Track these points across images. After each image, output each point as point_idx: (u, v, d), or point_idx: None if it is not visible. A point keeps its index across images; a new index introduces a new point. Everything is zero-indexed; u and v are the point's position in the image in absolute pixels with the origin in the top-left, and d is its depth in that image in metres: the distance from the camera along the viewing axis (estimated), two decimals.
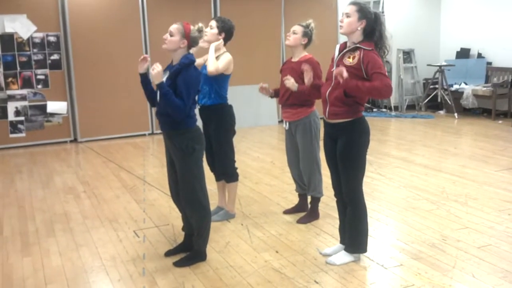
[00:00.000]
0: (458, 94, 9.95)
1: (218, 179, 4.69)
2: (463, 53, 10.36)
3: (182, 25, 3.56)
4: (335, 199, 3.80)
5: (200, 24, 3.77)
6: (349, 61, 3.39)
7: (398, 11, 10.69)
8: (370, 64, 3.30)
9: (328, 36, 9.58)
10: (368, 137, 3.57)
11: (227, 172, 4.58)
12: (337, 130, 3.53)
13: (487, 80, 9.93)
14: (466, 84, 9.99)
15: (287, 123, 4.52)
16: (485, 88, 9.53)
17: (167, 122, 3.61)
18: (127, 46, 8.58)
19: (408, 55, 10.88)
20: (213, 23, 4.45)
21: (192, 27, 3.61)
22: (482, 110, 9.98)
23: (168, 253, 3.90)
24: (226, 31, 4.43)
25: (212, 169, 4.65)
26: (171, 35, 3.55)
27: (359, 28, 3.38)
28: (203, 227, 3.72)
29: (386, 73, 3.35)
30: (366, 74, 3.33)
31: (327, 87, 3.56)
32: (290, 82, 4.09)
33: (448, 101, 10.04)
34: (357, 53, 3.37)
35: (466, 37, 10.38)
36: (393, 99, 10.69)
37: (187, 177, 3.61)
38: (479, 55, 10.12)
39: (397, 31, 10.70)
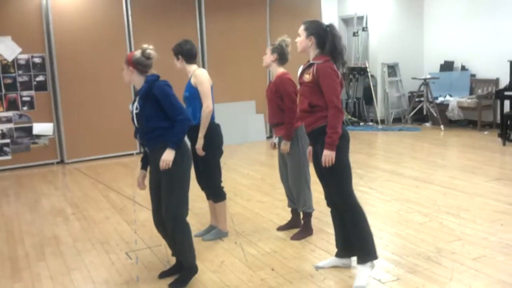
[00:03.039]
0: (443, 107, 10.05)
1: (207, 198, 4.65)
2: (447, 66, 10.48)
3: (126, 60, 3.62)
4: (329, 209, 3.79)
5: (145, 46, 3.71)
6: (306, 77, 3.56)
7: (381, 26, 10.81)
8: (321, 81, 3.46)
9: None
10: (346, 139, 3.55)
11: (213, 193, 4.54)
12: (314, 138, 3.59)
13: (471, 92, 10.04)
14: (451, 96, 10.09)
15: (277, 138, 4.54)
16: (470, 100, 9.63)
17: (152, 139, 3.58)
18: (113, 66, 8.51)
19: (392, 69, 10.99)
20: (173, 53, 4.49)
21: (134, 53, 3.63)
22: (467, 122, 10.07)
23: (162, 275, 3.83)
24: (183, 53, 4.43)
25: (202, 188, 4.61)
26: (123, 74, 3.65)
27: (309, 45, 3.56)
28: (185, 242, 3.65)
29: (336, 93, 3.47)
30: (321, 89, 3.47)
31: (299, 104, 3.73)
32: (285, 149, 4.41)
33: (434, 114, 10.12)
34: (311, 69, 3.53)
35: (449, 50, 10.51)
36: (379, 113, 10.76)
37: (174, 188, 3.56)
38: (463, 68, 10.24)
39: (381, 45, 10.83)
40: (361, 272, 3.56)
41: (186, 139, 3.84)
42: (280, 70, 4.49)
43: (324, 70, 3.47)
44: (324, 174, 3.57)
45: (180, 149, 3.57)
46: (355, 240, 3.61)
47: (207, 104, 4.30)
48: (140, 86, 3.61)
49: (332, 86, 3.46)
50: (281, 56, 4.45)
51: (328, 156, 3.41)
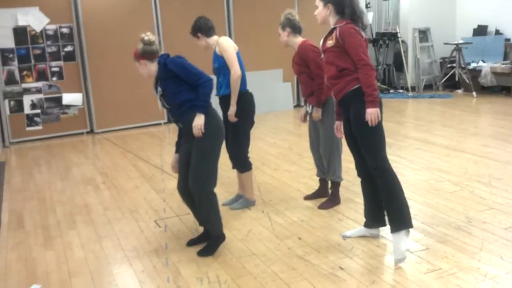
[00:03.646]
0: (476, 73, 9.78)
1: (233, 167, 4.65)
2: (480, 30, 10.15)
3: (134, 55, 3.65)
4: (360, 179, 3.72)
5: (142, 35, 3.65)
6: (329, 43, 3.51)
7: None
8: (346, 42, 3.39)
9: None
10: (379, 104, 3.43)
11: (239, 163, 4.54)
12: (346, 103, 3.50)
13: (505, 57, 9.74)
14: (484, 62, 9.81)
15: (310, 106, 4.46)
16: (503, 66, 9.34)
17: (183, 113, 3.59)
18: (139, 35, 8.51)
19: (424, 34, 10.70)
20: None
21: (139, 45, 3.62)
22: (501, 88, 9.79)
23: (190, 243, 3.88)
24: (200, 29, 4.37)
25: (230, 157, 4.61)
26: (138, 70, 3.67)
27: (328, 13, 3.52)
28: (212, 212, 3.67)
29: (363, 51, 3.40)
30: (346, 51, 3.40)
31: (325, 72, 3.65)
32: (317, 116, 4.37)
33: (466, 80, 9.87)
34: (334, 34, 3.47)
35: (482, 13, 10.16)
36: (410, 79, 10.54)
37: (204, 160, 3.57)
38: (497, 32, 9.91)
39: (412, 9, 10.53)
40: (397, 243, 3.43)
41: (220, 110, 3.83)
42: (299, 40, 4.42)
43: (347, 30, 3.41)
44: (359, 139, 3.48)
45: (212, 121, 3.58)
46: (388, 207, 3.50)
47: (235, 69, 4.26)
48: (156, 72, 3.65)
49: (358, 44, 3.39)
50: (294, 27, 4.39)
51: (373, 113, 3.32)
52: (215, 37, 4.41)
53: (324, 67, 3.66)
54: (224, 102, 4.43)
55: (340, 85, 3.47)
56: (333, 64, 3.48)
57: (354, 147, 3.61)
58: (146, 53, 3.60)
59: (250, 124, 4.50)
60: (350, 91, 3.43)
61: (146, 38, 3.62)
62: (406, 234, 3.47)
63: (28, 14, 7.93)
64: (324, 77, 4.13)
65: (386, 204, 3.51)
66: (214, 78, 3.87)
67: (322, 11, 3.55)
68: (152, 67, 3.63)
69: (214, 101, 4.14)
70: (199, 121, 3.53)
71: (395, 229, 3.47)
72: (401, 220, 3.46)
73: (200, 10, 8.88)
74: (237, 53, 4.37)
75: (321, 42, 3.65)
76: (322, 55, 3.64)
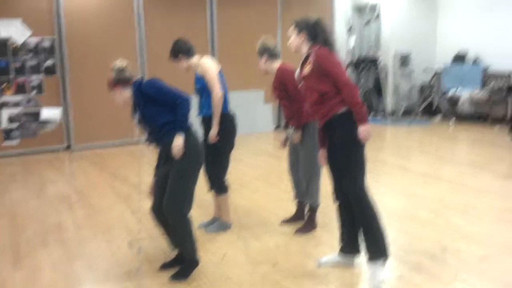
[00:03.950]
0: (454, 100, 9.92)
1: (209, 189, 4.61)
2: (460, 58, 10.33)
3: (108, 86, 3.65)
4: (336, 203, 3.71)
5: (113, 64, 3.65)
6: (307, 69, 3.55)
7: (394, 14, 10.66)
8: (323, 65, 3.44)
9: None
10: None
11: (215, 185, 4.51)
12: (332, 127, 3.50)
13: (483, 85, 9.90)
14: (462, 89, 9.96)
15: (291, 130, 4.46)
16: (481, 94, 9.50)
17: (164, 135, 3.56)
18: (123, 50, 8.48)
19: (404, 60, 10.84)
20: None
21: (111, 74, 3.62)
22: (478, 116, 9.95)
23: (164, 266, 3.81)
24: (180, 51, 4.36)
25: (207, 178, 4.58)
26: (114, 99, 3.68)
27: (302, 41, 3.62)
28: (186, 236, 3.63)
29: (342, 71, 3.45)
30: (326, 74, 3.44)
31: (307, 99, 3.69)
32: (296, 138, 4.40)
33: (444, 107, 10.00)
34: (309, 59, 3.54)
35: (462, 41, 10.36)
36: (390, 104, 10.65)
37: (181, 182, 3.53)
38: (476, 60, 10.09)
39: (394, 34, 10.70)
40: (373, 272, 3.43)
41: (200, 133, 3.81)
42: (276, 64, 4.45)
43: (322, 54, 3.47)
44: (340, 164, 3.48)
45: (192, 143, 3.56)
46: (365, 236, 3.49)
47: (216, 91, 4.25)
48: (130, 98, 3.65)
49: (336, 65, 3.45)
50: (270, 53, 4.43)
51: (365, 130, 3.34)
52: (195, 58, 4.40)
53: (305, 94, 3.68)
54: (206, 123, 4.41)
55: (324, 109, 3.48)
56: (314, 90, 3.50)
57: (335, 171, 3.61)
58: (120, 81, 3.59)
59: (230, 146, 4.49)
60: (335, 116, 3.44)
61: (117, 66, 3.60)
62: (382, 264, 3.46)
63: (10, 26, 7.86)
64: (302, 100, 4.17)
65: (364, 233, 3.50)
66: (194, 97, 3.86)
67: (295, 40, 3.64)
68: (127, 94, 3.61)
69: (196, 121, 4.13)
70: (178, 141, 3.50)
71: (371, 258, 3.47)
72: (378, 250, 3.46)
73: (183, 27, 8.96)
74: (220, 73, 4.37)
75: (297, 71, 3.69)
76: (301, 83, 3.66)
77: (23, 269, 3.91)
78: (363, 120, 3.35)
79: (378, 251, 3.46)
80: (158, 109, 3.53)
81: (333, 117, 3.45)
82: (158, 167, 3.82)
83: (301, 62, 3.64)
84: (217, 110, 4.27)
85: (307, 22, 3.62)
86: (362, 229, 3.51)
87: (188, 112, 3.55)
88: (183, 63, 4.40)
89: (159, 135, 3.60)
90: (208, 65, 4.32)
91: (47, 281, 3.68)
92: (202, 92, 4.37)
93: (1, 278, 3.77)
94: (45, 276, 3.76)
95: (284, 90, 4.35)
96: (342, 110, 3.41)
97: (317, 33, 3.56)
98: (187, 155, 3.53)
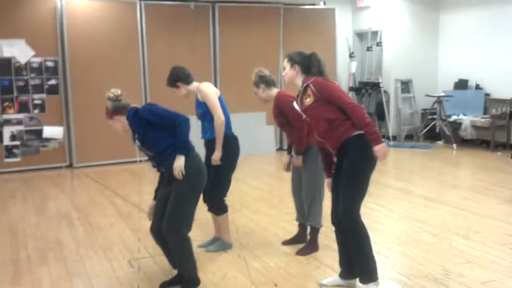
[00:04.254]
0: (456, 125, 9.93)
1: (208, 210, 4.57)
2: (461, 84, 10.38)
3: (106, 114, 3.66)
4: (334, 228, 3.69)
5: (107, 94, 3.66)
6: (308, 101, 3.55)
7: (396, 41, 10.75)
8: (326, 93, 3.46)
9: (326, 61, 9.55)
10: (374, 156, 3.43)
11: (214, 205, 4.47)
12: (344, 151, 3.47)
13: (485, 112, 9.93)
14: (464, 115, 9.98)
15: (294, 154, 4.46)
16: (483, 119, 9.52)
17: (166, 158, 3.56)
18: (125, 72, 8.56)
19: (406, 85, 10.90)
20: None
21: (108, 103, 3.63)
22: (480, 141, 9.94)
23: (163, 285, 3.77)
24: (179, 78, 4.37)
25: (204, 200, 4.53)
26: (113, 127, 3.69)
27: (295, 74, 3.66)
28: (185, 256, 3.60)
29: (345, 95, 3.49)
30: (330, 101, 3.44)
31: (313, 129, 3.67)
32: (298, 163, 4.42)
33: (447, 132, 10.01)
34: (308, 91, 3.54)
35: (464, 68, 10.41)
36: (391, 129, 10.67)
37: (181, 204, 3.51)
38: (477, 86, 10.13)
39: (395, 61, 10.76)
40: None
41: (202, 156, 3.80)
42: (274, 92, 4.49)
43: (321, 82, 3.50)
44: (342, 185, 3.45)
45: (194, 165, 3.56)
46: (356, 259, 3.52)
47: (218, 115, 4.27)
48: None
49: (337, 90, 3.48)
50: (266, 82, 4.48)
51: (381, 149, 3.32)
52: (194, 84, 4.42)
53: (310, 125, 3.70)
54: (210, 145, 4.43)
55: (335, 137, 3.45)
56: (320, 119, 3.48)
57: (337, 193, 3.58)
58: (117, 109, 3.61)
59: (232, 167, 4.48)
60: (348, 139, 3.41)
61: (112, 94, 3.62)
62: (375, 285, 3.49)
63: (13, 46, 7.93)
64: (302, 127, 4.17)
65: (355, 256, 3.52)
66: (194, 119, 3.87)
67: (289, 72, 3.68)
68: (123, 124, 3.64)
69: (199, 143, 4.13)
70: (179, 162, 3.49)
71: (363, 281, 3.51)
72: (368, 273, 3.49)
73: (186, 50, 9.03)
74: (220, 98, 4.39)
75: (295, 104, 3.72)
76: (304, 116, 3.67)
77: (22, 285, 3.88)
78: (377, 140, 3.33)
79: (369, 274, 3.49)
80: (158, 134, 3.54)
81: (346, 141, 3.42)
82: (158, 189, 3.81)
83: (298, 94, 3.68)
84: (219, 134, 4.29)
85: (300, 56, 3.68)
86: (353, 253, 3.53)
87: (187, 132, 3.55)
88: (182, 90, 4.41)
89: (161, 158, 3.60)
90: (208, 90, 4.34)
91: None
92: (205, 117, 4.39)
93: None
94: None
95: (284, 117, 4.36)
96: (353, 134, 3.40)
97: (311, 65, 3.62)
98: (188, 177, 3.52)
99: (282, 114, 4.37)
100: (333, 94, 3.44)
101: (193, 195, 3.59)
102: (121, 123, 3.63)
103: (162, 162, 3.62)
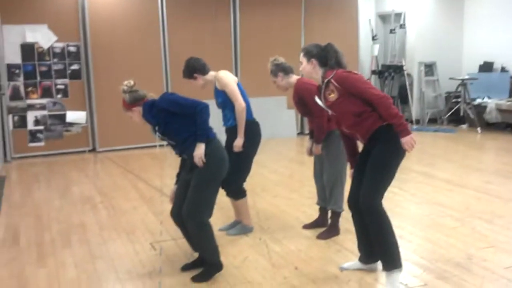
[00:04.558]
0: (481, 108, 9.77)
1: (227, 195, 4.57)
2: (486, 67, 10.17)
3: (123, 106, 3.69)
4: (350, 212, 3.66)
5: (122, 87, 3.68)
6: (332, 96, 3.44)
7: (419, 23, 10.57)
8: (349, 87, 3.36)
9: (349, 44, 9.60)
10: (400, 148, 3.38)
11: (232, 190, 4.45)
12: (373, 142, 3.41)
13: (510, 95, 9.73)
14: (489, 98, 9.81)
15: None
16: (509, 102, 9.33)
17: (189, 146, 3.56)
18: (147, 57, 8.60)
19: (429, 68, 10.73)
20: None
21: (124, 97, 3.64)
22: (505, 125, 9.76)
23: (185, 267, 3.81)
24: (196, 69, 4.35)
25: (222, 185, 4.52)
26: (133, 118, 3.71)
27: (312, 68, 3.54)
28: (206, 242, 3.62)
29: (369, 86, 3.38)
30: (354, 94, 3.35)
31: (341, 122, 3.57)
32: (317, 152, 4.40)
33: (471, 115, 9.86)
34: (331, 86, 3.43)
35: (489, 50, 10.19)
36: (415, 112, 10.53)
37: (202, 190, 3.52)
38: (503, 69, 9.92)
39: (419, 43, 10.59)
40: (391, 283, 3.41)
41: (224, 143, 3.80)
42: (293, 79, 4.43)
43: (343, 76, 3.40)
44: (368, 173, 3.39)
45: (216, 153, 3.57)
46: (378, 247, 3.47)
47: (239, 102, 4.27)
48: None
49: (361, 82, 3.38)
50: (284, 70, 4.42)
51: (408, 141, 3.27)
52: (211, 73, 4.40)
53: (337, 120, 3.58)
54: (231, 132, 4.42)
55: (364, 129, 3.40)
56: (347, 113, 3.41)
57: (359, 178, 3.53)
58: (136, 99, 3.61)
59: (253, 152, 4.47)
60: (377, 130, 3.37)
61: (125, 87, 3.62)
62: (398, 272, 3.44)
63: (36, 31, 8.01)
64: (322, 115, 4.12)
65: (378, 244, 3.47)
66: (211, 105, 3.87)
67: (306, 66, 3.57)
68: (139, 113, 3.62)
69: (220, 131, 4.13)
70: (199, 150, 3.50)
71: (386, 268, 3.45)
72: (392, 261, 3.43)
73: (207, 33, 9.02)
74: (238, 84, 4.38)
75: (318, 99, 3.60)
76: (329, 112, 3.56)
77: (46, 267, 3.95)
78: (405, 131, 3.27)
79: (393, 262, 3.43)
80: (178, 125, 3.54)
81: (375, 132, 3.37)
82: (180, 173, 3.83)
83: (319, 88, 3.56)
84: (241, 121, 4.29)
85: (316, 49, 3.56)
86: (374, 241, 3.48)
87: (207, 118, 3.54)
88: (199, 81, 4.39)
89: (183, 147, 3.61)
90: (227, 79, 4.32)
91: (70, 279, 3.71)
92: (225, 105, 4.39)
93: (25, 275, 3.81)
94: (68, 274, 3.80)
95: (304, 104, 4.32)
96: (383, 123, 3.34)
97: (329, 57, 3.50)
98: (210, 164, 3.52)
99: (302, 102, 4.33)
100: (357, 87, 3.35)
101: (214, 182, 3.60)
102: (140, 114, 3.63)
103: (184, 150, 3.63)
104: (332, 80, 3.40)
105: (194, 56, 4.43)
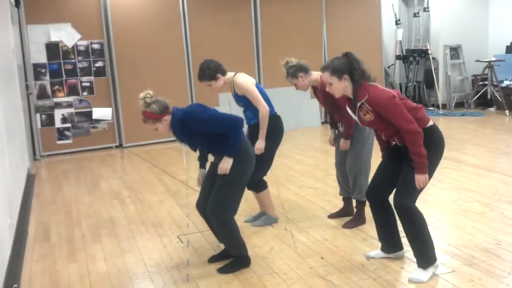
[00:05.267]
0: (509, 91, 9.57)
1: (247, 188, 4.56)
2: None
3: (149, 118, 3.56)
4: (368, 202, 3.66)
5: (143, 96, 3.64)
6: (368, 117, 3.32)
7: (443, 6, 10.38)
8: (380, 110, 3.23)
9: (372, 30, 9.50)
10: (441, 147, 3.38)
11: (252, 183, 4.38)
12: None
13: None
14: None
15: (341, 125, 4.39)
16: None
17: (217, 149, 3.61)
18: (169, 52, 8.65)
19: (455, 51, 10.54)
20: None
21: (151, 108, 3.54)
22: None
23: (212, 259, 3.86)
24: (217, 70, 4.27)
25: None
26: (156, 129, 3.58)
27: (346, 84, 3.31)
28: (231, 238, 3.65)
29: (402, 116, 3.20)
30: (387, 118, 3.25)
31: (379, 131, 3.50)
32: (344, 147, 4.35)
33: (499, 98, 9.67)
34: (365, 108, 3.29)
35: None
36: (441, 97, 10.38)
37: (228, 189, 3.54)
38: None
39: (443, 26, 10.40)
40: (423, 274, 3.40)
41: (248, 139, 3.81)
42: (316, 75, 4.31)
43: (377, 101, 3.23)
44: (404, 173, 3.34)
45: (244, 152, 3.57)
46: (413, 244, 3.45)
47: (263, 106, 4.26)
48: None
49: (397, 111, 3.21)
50: (303, 69, 4.32)
51: (421, 179, 3.25)
52: (230, 74, 4.38)
53: (377, 131, 3.54)
54: (253, 130, 4.40)
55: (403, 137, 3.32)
56: (388, 129, 3.34)
57: (389, 173, 3.50)
58: (164, 107, 3.50)
59: (275, 149, 4.47)
60: None
61: (148, 98, 3.51)
62: (433, 268, 3.43)
63: (60, 30, 8.13)
64: None
65: (412, 242, 3.45)
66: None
67: (339, 85, 3.32)
68: (167, 123, 3.55)
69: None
70: (226, 165, 3.50)
71: (422, 265, 3.42)
72: (427, 258, 3.42)
73: (228, 26, 9.02)
74: (257, 85, 4.38)
75: (349, 110, 3.46)
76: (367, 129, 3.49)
77: (77, 261, 4.04)
78: (423, 169, 3.23)
79: (428, 259, 3.42)
80: (209, 141, 3.55)
81: None
82: (201, 158, 3.88)
83: (351, 106, 3.41)
84: (263, 124, 4.27)
85: (339, 62, 3.32)
86: (409, 238, 3.45)
87: (239, 137, 3.53)
88: (220, 82, 4.31)
89: (213, 149, 3.65)
90: (246, 84, 4.30)
91: (101, 273, 3.79)
92: (247, 107, 4.41)
93: (57, 269, 3.91)
94: (98, 268, 3.88)
95: (332, 101, 4.05)
96: (424, 127, 3.27)
97: (353, 69, 3.27)
98: (237, 164, 3.52)
99: (330, 99, 4.18)
100: (389, 116, 3.22)
101: (240, 182, 3.61)
102: (168, 123, 3.53)
103: (215, 153, 3.66)
104: (365, 104, 3.26)
105: (208, 59, 4.36)
